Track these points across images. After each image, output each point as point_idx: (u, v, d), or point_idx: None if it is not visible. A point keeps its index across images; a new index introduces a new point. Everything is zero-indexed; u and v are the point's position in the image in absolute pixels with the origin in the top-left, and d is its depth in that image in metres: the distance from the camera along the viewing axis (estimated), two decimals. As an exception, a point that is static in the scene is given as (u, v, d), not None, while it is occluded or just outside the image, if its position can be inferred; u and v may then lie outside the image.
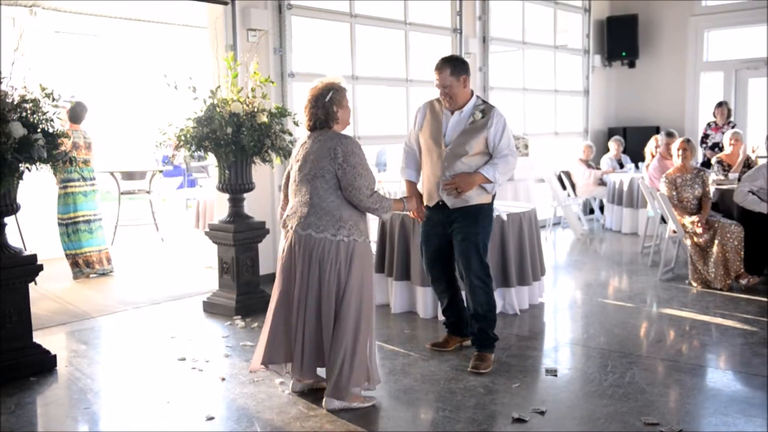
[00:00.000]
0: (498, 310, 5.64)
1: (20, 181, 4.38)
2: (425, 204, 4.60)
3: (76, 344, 5.19)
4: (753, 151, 8.30)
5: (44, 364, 4.57)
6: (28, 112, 4.32)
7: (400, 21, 8.37)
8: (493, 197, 4.60)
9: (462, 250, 4.46)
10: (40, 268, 4.60)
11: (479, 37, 9.27)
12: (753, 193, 6.48)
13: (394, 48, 8.50)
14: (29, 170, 4.38)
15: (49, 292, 6.65)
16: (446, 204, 4.48)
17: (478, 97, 4.56)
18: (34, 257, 4.56)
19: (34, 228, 7.90)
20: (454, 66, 4.39)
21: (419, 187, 4.70)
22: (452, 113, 4.49)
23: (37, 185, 7.25)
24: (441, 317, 5.22)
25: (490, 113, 4.44)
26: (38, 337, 4.78)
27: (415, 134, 4.67)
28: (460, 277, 4.61)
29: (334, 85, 3.90)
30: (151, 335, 5.37)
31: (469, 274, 4.47)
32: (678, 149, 6.76)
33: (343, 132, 3.95)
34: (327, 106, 3.84)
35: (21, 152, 4.19)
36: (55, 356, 4.65)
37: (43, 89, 4.46)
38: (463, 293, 4.78)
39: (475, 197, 4.45)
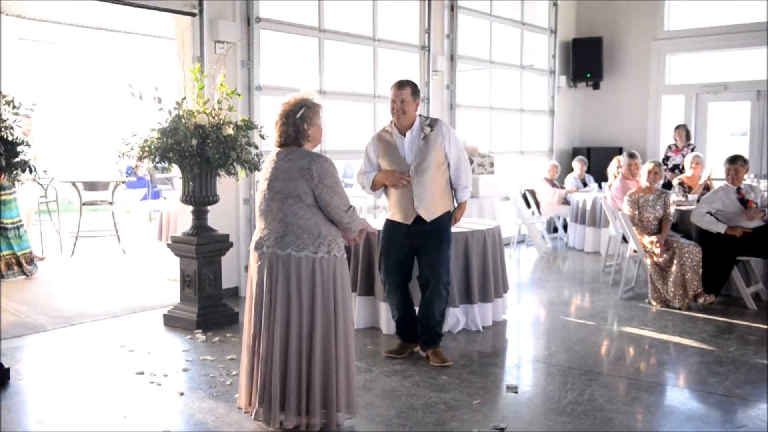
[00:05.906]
0: (460, 326, 5.72)
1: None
2: (401, 222, 4.88)
3: (31, 357, 5.07)
4: (708, 179, 8.46)
5: (-3, 377, 4.46)
6: (-13, 119, 4.24)
7: (369, 37, 8.41)
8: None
9: (434, 262, 4.84)
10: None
11: (447, 55, 9.36)
12: (711, 215, 6.63)
13: (363, 64, 8.54)
14: (-14, 178, 4.31)
15: (5, 304, 6.49)
16: (423, 219, 4.79)
17: (420, 115, 4.91)
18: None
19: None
20: (413, 88, 4.83)
21: (388, 214, 5.03)
22: (403, 135, 4.84)
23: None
24: (390, 329, 5.56)
25: (437, 125, 4.85)
26: (-9, 350, 4.67)
27: (374, 164, 4.96)
28: (424, 286, 4.93)
29: (306, 102, 3.77)
30: (109, 348, 5.27)
31: (438, 282, 4.85)
32: (650, 171, 6.89)
33: (314, 150, 3.86)
34: (297, 123, 3.71)
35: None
36: (8, 369, 4.54)
37: (3, 96, 4.39)
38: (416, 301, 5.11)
39: (443, 206, 4.86)
